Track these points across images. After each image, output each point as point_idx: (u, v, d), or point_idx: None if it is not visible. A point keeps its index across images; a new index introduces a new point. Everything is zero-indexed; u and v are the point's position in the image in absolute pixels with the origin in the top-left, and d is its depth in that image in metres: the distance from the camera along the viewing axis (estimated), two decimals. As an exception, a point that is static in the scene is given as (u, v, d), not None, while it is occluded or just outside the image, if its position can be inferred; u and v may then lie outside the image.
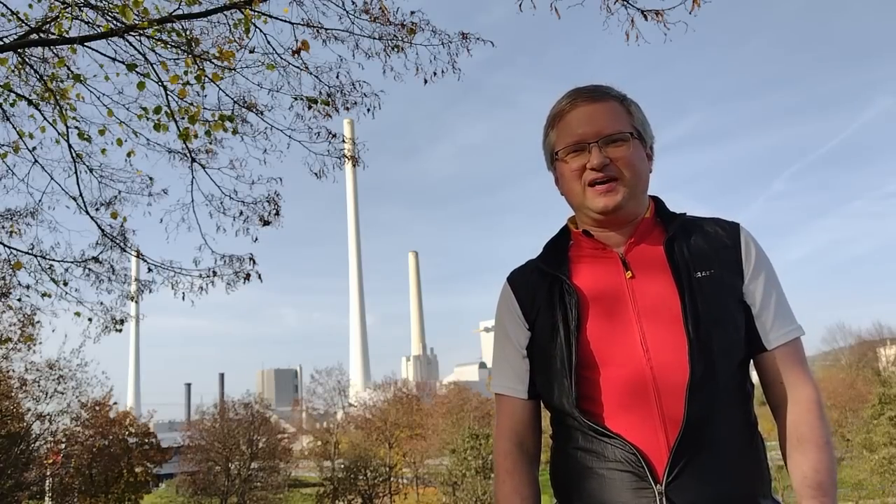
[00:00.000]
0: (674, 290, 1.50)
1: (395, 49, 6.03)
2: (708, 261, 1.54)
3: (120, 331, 7.73)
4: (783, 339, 1.53)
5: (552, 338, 1.57)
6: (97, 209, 7.13)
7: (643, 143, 1.61)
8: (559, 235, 1.72)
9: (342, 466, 38.55)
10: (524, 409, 1.67)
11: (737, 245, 1.57)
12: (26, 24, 6.01)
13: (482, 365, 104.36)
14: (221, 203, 6.92)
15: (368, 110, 6.33)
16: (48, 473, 28.02)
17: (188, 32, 5.89)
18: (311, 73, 6.22)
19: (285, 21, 5.90)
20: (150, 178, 7.19)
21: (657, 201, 1.69)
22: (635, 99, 1.68)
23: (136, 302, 8.05)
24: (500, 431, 1.69)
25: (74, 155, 6.76)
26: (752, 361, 1.59)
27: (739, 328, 1.52)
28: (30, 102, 6.38)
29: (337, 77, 6.25)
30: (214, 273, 7.06)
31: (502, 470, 1.65)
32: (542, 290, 1.62)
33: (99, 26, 5.79)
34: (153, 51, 5.96)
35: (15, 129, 6.63)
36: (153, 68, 5.97)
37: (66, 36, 5.73)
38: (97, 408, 30.58)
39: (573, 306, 1.55)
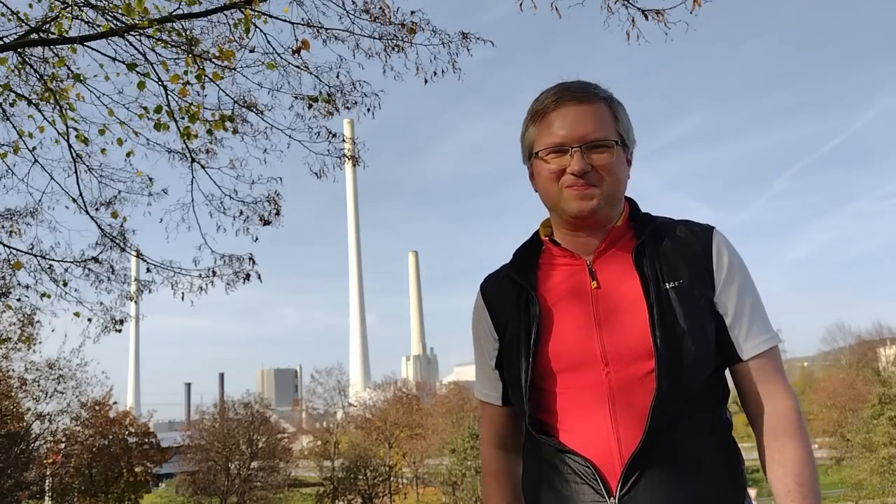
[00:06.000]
0: (641, 302, 1.47)
1: (396, 49, 6.03)
2: (677, 271, 1.50)
3: (120, 331, 7.72)
4: (758, 350, 1.49)
5: (517, 350, 1.55)
6: (97, 209, 7.13)
7: (626, 149, 1.56)
8: (530, 241, 1.68)
9: (342, 466, 38.57)
10: (504, 415, 1.69)
11: (708, 253, 1.52)
12: (26, 23, 6.00)
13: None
14: (221, 203, 6.92)
15: (368, 110, 6.34)
16: (48, 473, 28.03)
17: (188, 32, 5.89)
18: (311, 73, 6.22)
19: (285, 21, 5.90)
20: (150, 179, 7.19)
21: (631, 204, 1.64)
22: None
23: (136, 302, 8.05)
24: (484, 436, 1.74)
25: (74, 155, 6.75)
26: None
27: (710, 340, 1.48)
28: (30, 102, 6.37)
29: (337, 77, 6.25)
30: (214, 273, 7.06)
31: (487, 474, 1.72)
32: (511, 300, 1.60)
33: (99, 26, 5.79)
34: (153, 50, 5.96)
35: (15, 128, 6.62)
36: (153, 68, 5.97)
37: (66, 36, 5.72)
38: (97, 407, 30.58)
39: (535, 319, 1.53)
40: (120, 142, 6.45)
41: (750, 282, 1.54)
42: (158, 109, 6.07)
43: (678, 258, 1.51)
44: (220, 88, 6.18)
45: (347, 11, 5.93)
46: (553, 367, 1.51)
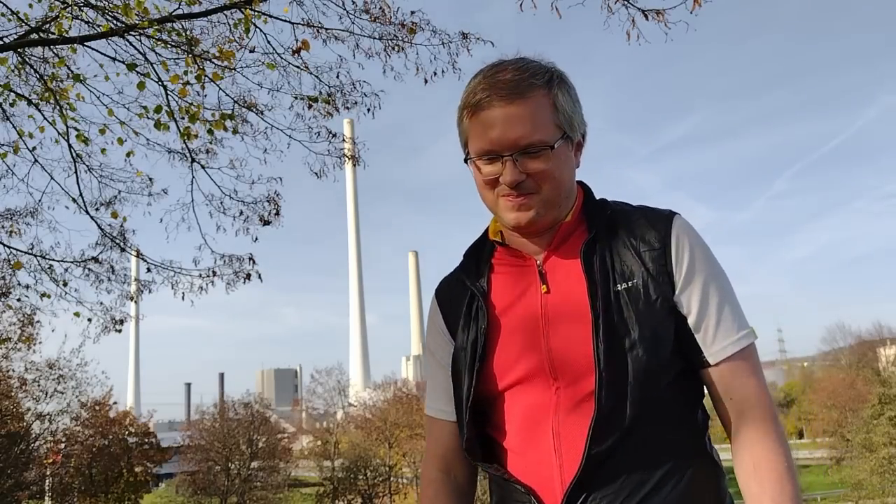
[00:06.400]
0: (588, 309, 1.31)
1: (396, 49, 6.04)
2: (631, 269, 1.34)
3: (120, 331, 7.72)
4: (728, 352, 1.32)
5: (461, 364, 1.43)
6: (97, 209, 7.14)
7: (570, 139, 1.38)
8: (481, 240, 1.53)
9: (342, 466, 38.57)
10: (454, 434, 1.50)
11: (666, 246, 1.35)
12: (26, 23, 6.01)
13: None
14: (221, 203, 6.93)
15: (368, 110, 6.35)
16: (48, 473, 28.05)
17: (188, 32, 5.89)
18: (311, 73, 6.22)
19: (285, 21, 5.91)
20: (150, 179, 7.20)
21: (585, 192, 1.47)
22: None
23: (136, 302, 8.05)
24: (427, 457, 1.58)
25: (74, 155, 6.76)
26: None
27: (668, 346, 1.31)
28: (30, 102, 6.37)
29: (337, 77, 6.26)
30: (214, 273, 7.06)
31: (424, 498, 1.55)
32: (462, 306, 1.47)
33: (99, 26, 5.79)
34: (153, 50, 5.96)
35: (15, 128, 6.63)
36: (153, 68, 5.98)
37: (66, 36, 5.73)
38: (97, 407, 30.59)
39: (482, 332, 1.41)
40: (120, 142, 6.46)
41: (717, 274, 1.36)
42: (158, 109, 6.07)
43: (632, 254, 1.35)
44: (220, 88, 6.19)
45: (347, 11, 5.94)
46: (501, 382, 1.38)
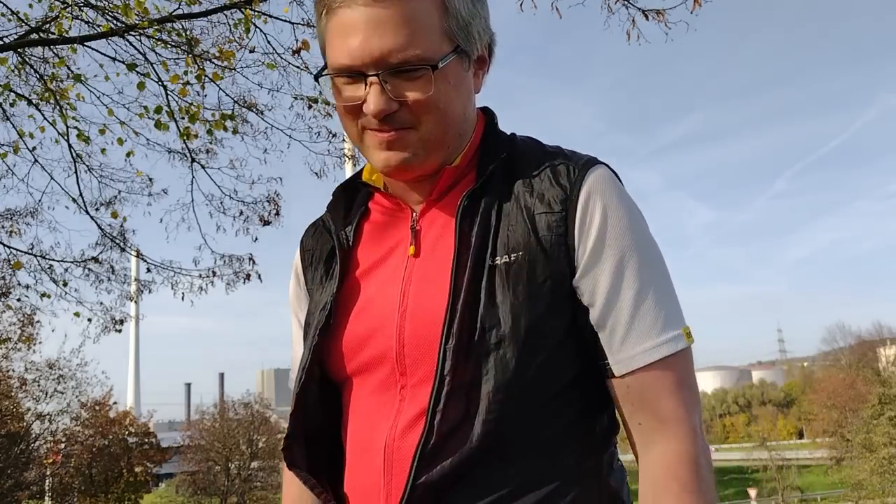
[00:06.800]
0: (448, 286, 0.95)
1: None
2: (518, 238, 0.96)
3: (120, 331, 7.73)
4: (639, 361, 0.94)
5: (305, 337, 1.10)
6: (97, 209, 7.15)
7: (466, 54, 1.00)
8: (358, 177, 1.15)
9: (342, 466, 38.54)
10: None
11: (570, 209, 0.96)
12: (26, 23, 6.01)
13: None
14: (221, 203, 6.94)
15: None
16: (48, 473, 28.04)
17: (188, 32, 5.90)
18: (311, 73, 6.21)
19: (285, 21, 5.91)
20: (150, 179, 7.20)
21: (487, 124, 1.09)
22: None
23: (136, 302, 8.06)
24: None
25: (74, 155, 6.76)
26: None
27: (552, 349, 0.95)
28: (30, 102, 6.38)
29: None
30: (214, 273, 7.08)
31: (285, 481, 1.22)
32: (322, 259, 1.14)
33: (99, 26, 5.80)
34: (153, 50, 5.97)
35: (15, 128, 6.63)
36: (153, 68, 5.99)
37: (66, 36, 5.73)
38: (97, 407, 30.58)
39: (332, 296, 1.06)
40: (120, 142, 6.46)
41: (641, 253, 0.97)
42: (158, 109, 6.08)
43: (524, 217, 0.97)
44: (220, 88, 6.20)
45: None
46: (347, 364, 1.04)
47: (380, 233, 1.09)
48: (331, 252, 1.12)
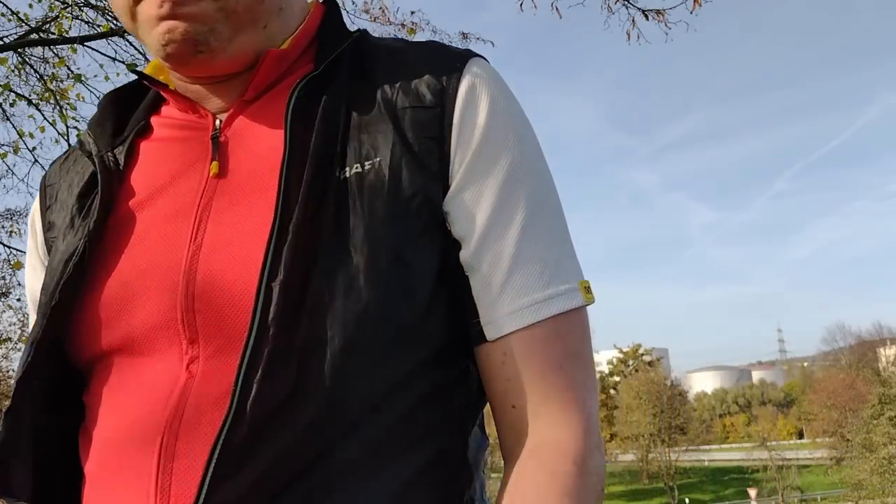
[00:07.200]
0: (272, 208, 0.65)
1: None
2: (375, 141, 0.68)
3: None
4: (520, 322, 0.66)
5: (44, 291, 0.72)
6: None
7: None
8: (141, 80, 0.80)
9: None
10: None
11: (446, 104, 0.69)
12: (26, 23, 6.02)
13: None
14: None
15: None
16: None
17: (188, 32, 5.90)
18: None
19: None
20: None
21: (329, 9, 0.80)
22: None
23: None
24: None
25: (74, 155, 6.77)
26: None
27: (424, 289, 0.66)
28: (30, 102, 6.39)
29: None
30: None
31: None
32: (76, 194, 0.77)
33: (99, 26, 5.80)
34: (153, 50, 5.98)
35: (15, 128, 6.64)
36: (153, 68, 5.99)
37: (66, 36, 5.74)
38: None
39: (82, 241, 0.70)
40: (120, 142, 6.46)
41: (534, 176, 0.70)
42: (158, 109, 6.08)
43: (382, 111, 0.69)
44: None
45: (347, 11, 5.94)
46: (96, 341, 0.69)
47: (165, 152, 0.76)
48: (90, 181, 0.76)
